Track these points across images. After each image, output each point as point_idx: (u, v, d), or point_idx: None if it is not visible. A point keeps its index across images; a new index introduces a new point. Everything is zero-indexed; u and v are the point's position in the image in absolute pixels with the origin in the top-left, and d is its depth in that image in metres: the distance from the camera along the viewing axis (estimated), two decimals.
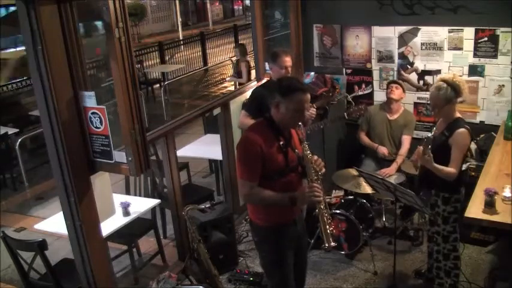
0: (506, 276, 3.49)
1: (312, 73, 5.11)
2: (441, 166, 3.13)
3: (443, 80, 3.16)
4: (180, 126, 4.24)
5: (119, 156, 2.66)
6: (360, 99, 5.05)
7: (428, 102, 4.70)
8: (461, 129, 3.11)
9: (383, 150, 4.49)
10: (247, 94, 4.86)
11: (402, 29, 4.69)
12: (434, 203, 3.32)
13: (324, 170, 2.73)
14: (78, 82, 2.60)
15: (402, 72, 4.82)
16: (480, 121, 4.53)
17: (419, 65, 4.71)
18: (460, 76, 4.37)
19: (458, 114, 3.23)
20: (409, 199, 3.28)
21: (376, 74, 4.99)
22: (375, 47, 4.90)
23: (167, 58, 11.87)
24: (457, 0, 4.32)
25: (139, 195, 5.18)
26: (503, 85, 4.37)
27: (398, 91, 4.49)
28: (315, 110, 4.05)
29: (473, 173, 3.82)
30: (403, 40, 4.72)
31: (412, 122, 4.60)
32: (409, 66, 4.78)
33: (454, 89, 3.10)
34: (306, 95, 2.64)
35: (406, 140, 4.51)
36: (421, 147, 3.18)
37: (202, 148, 5.59)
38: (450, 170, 3.13)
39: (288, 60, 3.87)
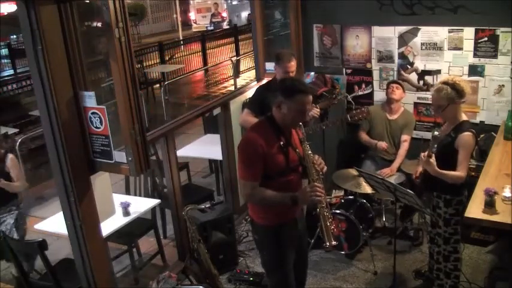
0: (506, 276, 3.49)
1: (312, 73, 5.11)
2: (445, 171, 3.11)
3: (443, 82, 3.16)
4: (180, 126, 4.24)
5: (119, 156, 2.66)
6: (360, 99, 5.05)
7: (429, 102, 4.71)
8: (466, 133, 3.09)
9: (382, 145, 4.48)
10: (247, 94, 4.87)
11: (402, 29, 4.69)
12: (435, 205, 3.31)
13: (325, 168, 2.74)
14: (78, 82, 2.61)
15: (402, 72, 4.81)
16: (480, 121, 4.53)
17: (419, 65, 4.71)
18: (460, 76, 4.38)
19: (464, 117, 3.20)
20: (409, 199, 3.27)
21: (376, 74, 4.98)
22: (375, 47, 4.90)
23: (167, 58, 11.87)
24: (457, 0, 4.32)
25: (140, 195, 5.18)
26: (503, 85, 4.37)
27: (399, 91, 4.49)
28: (318, 110, 4.05)
29: (473, 173, 3.81)
30: (403, 40, 4.72)
31: (412, 123, 4.60)
32: (409, 66, 4.78)
33: (454, 89, 3.09)
34: (308, 96, 2.65)
35: (405, 140, 4.51)
36: (425, 153, 3.17)
37: (202, 148, 5.60)
38: (457, 173, 3.10)
39: (292, 65, 3.87)
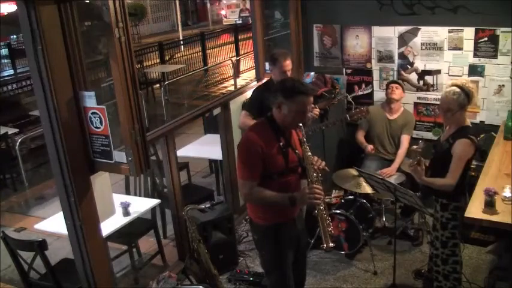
0: (506, 276, 3.49)
1: (312, 73, 5.10)
2: (433, 178, 3.11)
3: (457, 85, 3.08)
4: (180, 126, 4.24)
5: (119, 156, 2.66)
6: (360, 99, 5.05)
7: (429, 102, 4.72)
8: (463, 139, 3.04)
9: (368, 149, 4.53)
10: (247, 94, 4.86)
11: (402, 29, 4.69)
12: (435, 208, 3.30)
13: (326, 168, 2.74)
14: (78, 82, 2.61)
15: (402, 72, 4.81)
16: (480, 121, 4.53)
17: (419, 65, 4.71)
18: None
19: (467, 122, 3.17)
20: (409, 199, 3.28)
21: (376, 74, 4.98)
22: (375, 47, 4.90)
23: (167, 58, 11.87)
24: (457, 0, 4.32)
25: (139, 195, 5.18)
26: (503, 85, 4.37)
27: (398, 91, 4.49)
28: (318, 110, 4.05)
29: (473, 173, 3.81)
30: (403, 40, 4.72)
31: (412, 122, 4.60)
32: (409, 66, 4.78)
33: (467, 95, 3.04)
34: (309, 97, 2.65)
35: (405, 140, 4.51)
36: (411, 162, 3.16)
37: (202, 148, 5.60)
38: (444, 181, 3.07)
39: (288, 64, 3.85)
